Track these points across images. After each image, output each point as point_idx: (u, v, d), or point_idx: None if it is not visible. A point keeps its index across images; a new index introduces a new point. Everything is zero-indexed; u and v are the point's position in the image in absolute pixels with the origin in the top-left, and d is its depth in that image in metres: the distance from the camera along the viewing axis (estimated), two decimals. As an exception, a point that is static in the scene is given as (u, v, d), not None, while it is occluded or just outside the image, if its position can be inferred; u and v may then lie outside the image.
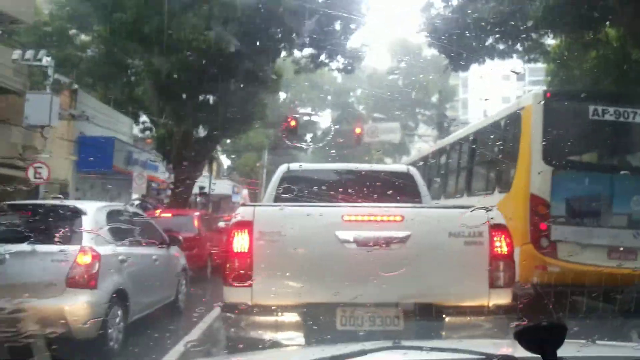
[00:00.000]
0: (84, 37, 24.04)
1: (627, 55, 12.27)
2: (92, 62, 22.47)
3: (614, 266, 6.79)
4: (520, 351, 1.27)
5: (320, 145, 43.13)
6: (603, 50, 12.56)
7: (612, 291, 6.37)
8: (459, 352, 1.47)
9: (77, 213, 5.88)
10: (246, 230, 3.87)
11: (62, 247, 5.51)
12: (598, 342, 1.87)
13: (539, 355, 1.23)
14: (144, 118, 28.16)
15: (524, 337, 1.24)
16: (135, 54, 17.03)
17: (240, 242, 3.88)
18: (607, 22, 11.26)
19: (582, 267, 6.84)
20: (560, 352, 1.32)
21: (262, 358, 1.96)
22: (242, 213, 4.02)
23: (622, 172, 7.33)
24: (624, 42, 12.11)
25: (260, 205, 4.32)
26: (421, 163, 13.44)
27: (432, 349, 1.55)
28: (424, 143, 27.01)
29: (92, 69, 22.32)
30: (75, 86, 21.52)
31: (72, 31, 23.10)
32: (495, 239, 3.92)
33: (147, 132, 27.71)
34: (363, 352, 1.46)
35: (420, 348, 1.56)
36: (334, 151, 37.62)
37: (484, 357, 1.34)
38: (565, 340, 1.34)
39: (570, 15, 9.54)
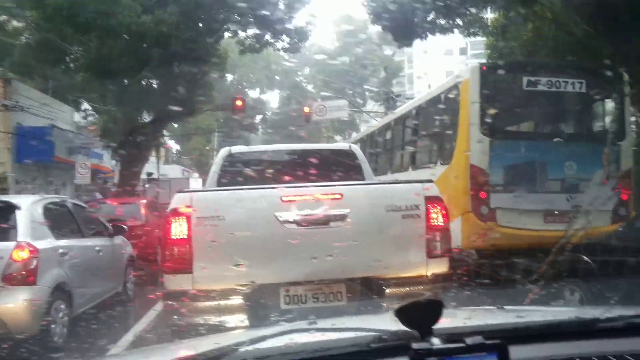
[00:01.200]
0: (16, 24, 22.83)
1: (561, 28, 12.68)
2: (27, 49, 21.42)
3: (549, 229, 7.12)
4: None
5: (270, 126, 42.94)
6: (539, 23, 12.93)
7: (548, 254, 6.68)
8: (357, 330, 1.53)
9: (11, 208, 5.65)
10: (184, 217, 3.84)
11: (-4, 243, 5.32)
12: (506, 307, 1.96)
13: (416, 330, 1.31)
14: (85, 105, 27.22)
15: (403, 314, 1.31)
16: (72, 39, 16.31)
17: (178, 229, 3.84)
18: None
19: (520, 232, 7.14)
20: (447, 324, 1.40)
21: (193, 344, 1.96)
22: (178, 199, 3.97)
23: (555, 140, 7.63)
24: (557, 15, 12.49)
25: (197, 191, 4.27)
26: (368, 139, 13.59)
27: (334, 329, 1.60)
28: (372, 119, 27.26)
29: (27, 57, 21.26)
30: (9, 75, 20.49)
31: (3, 17, 21.90)
32: (431, 211, 4.04)
33: (90, 120, 26.81)
34: (263, 338, 1.49)
35: (326, 329, 1.60)
36: (285, 131, 37.54)
37: (378, 334, 1.40)
38: (472, 308, 1.40)
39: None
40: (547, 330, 1.52)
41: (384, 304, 3.90)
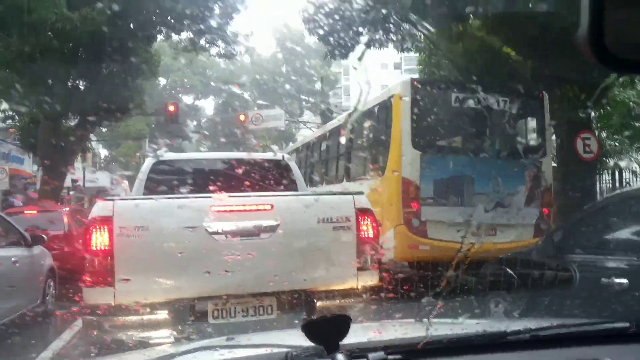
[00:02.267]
0: None
1: (490, 47, 13.28)
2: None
3: (475, 242, 7.37)
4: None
5: (204, 132, 42.19)
6: (468, 42, 13.48)
7: (475, 266, 6.90)
8: (270, 346, 1.50)
9: None
10: (105, 227, 3.65)
11: None
12: (415, 320, 1.98)
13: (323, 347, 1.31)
14: (4, 106, 25.62)
15: (310, 330, 1.30)
16: (-10, 35, 15.32)
17: (98, 239, 3.65)
18: (471, 16, 12.10)
19: (449, 245, 7.35)
20: (354, 339, 1.41)
21: None
22: (99, 208, 3.77)
23: (482, 155, 7.95)
24: (486, 34, 13.08)
25: (120, 199, 4.07)
26: (304, 150, 13.61)
27: (242, 346, 1.57)
28: (308, 130, 27.40)
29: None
30: None
31: None
32: (361, 223, 4.05)
33: (9, 122, 25.25)
34: (172, 356, 1.42)
35: (234, 346, 1.56)
36: (220, 139, 37.00)
37: (292, 350, 1.37)
38: (379, 322, 1.41)
39: (436, 9, 10.13)
40: (454, 343, 1.54)
41: (314, 317, 3.87)
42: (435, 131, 8.47)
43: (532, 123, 8.86)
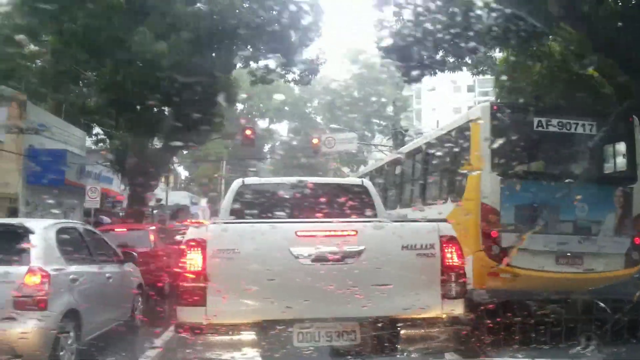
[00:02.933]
0: (32, 48, 23.28)
1: (570, 68, 12.85)
2: (42, 73, 21.80)
3: (561, 271, 7.08)
4: None
5: (278, 156, 43.13)
6: (547, 63, 13.10)
7: (561, 295, 6.63)
8: None
9: (25, 232, 5.68)
10: (199, 249, 3.85)
11: (9, 267, 5.33)
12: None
13: None
14: (97, 130, 27.51)
15: None
16: (86, 64, 16.63)
17: (193, 261, 3.84)
18: (550, 37, 11.76)
19: (532, 273, 7.09)
20: None
21: None
22: (194, 231, 3.98)
23: (566, 181, 7.65)
24: (566, 56, 12.68)
25: (213, 223, 4.28)
26: (377, 173, 13.63)
27: None
28: (380, 153, 27.37)
29: (42, 81, 21.62)
30: (24, 98, 20.81)
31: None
32: (446, 250, 4.02)
33: (101, 144, 27.07)
34: None
35: None
36: (293, 162, 37.70)
37: None
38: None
39: (514, 30, 9.93)
40: None
41: (398, 345, 3.86)
42: (516, 156, 8.25)
43: (620, 147, 8.43)
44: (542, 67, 13.30)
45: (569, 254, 7.20)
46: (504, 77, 15.01)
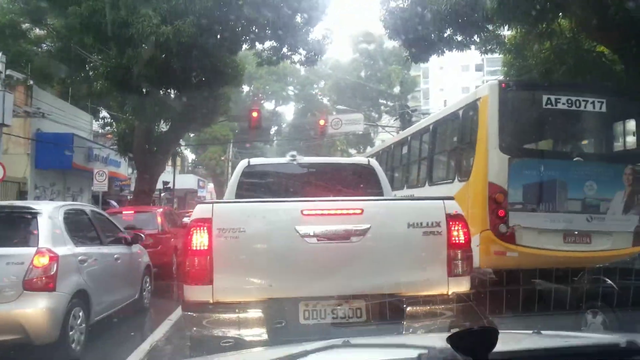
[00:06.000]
0: (38, 32, 23.26)
1: (579, 45, 12.64)
2: (48, 57, 21.80)
3: (569, 250, 7.05)
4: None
5: (285, 137, 43.08)
6: (556, 41, 12.88)
7: (567, 274, 6.60)
8: (400, 347, 1.51)
9: (33, 214, 5.71)
10: (205, 228, 3.85)
11: (18, 249, 5.38)
12: (543, 332, 1.92)
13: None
14: (104, 113, 27.56)
15: (457, 342, 1.29)
16: (92, 48, 16.59)
17: (199, 239, 3.85)
18: (560, 14, 11.54)
19: (539, 252, 7.07)
20: (500, 347, 1.37)
21: None
22: (200, 210, 3.99)
23: (575, 159, 7.58)
24: (576, 33, 12.46)
25: (218, 202, 4.28)
26: (384, 154, 13.58)
27: (374, 346, 1.57)
28: (387, 134, 27.24)
29: (48, 64, 21.64)
30: (30, 82, 20.84)
31: (25, 25, 22.32)
32: (452, 228, 4.00)
33: (108, 128, 27.14)
34: (305, 353, 1.47)
35: (363, 345, 1.58)
36: (300, 143, 37.64)
37: (423, 351, 1.38)
38: (510, 332, 1.37)
39: (523, 7, 9.74)
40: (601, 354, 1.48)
41: (404, 322, 3.86)
42: (524, 134, 8.18)
43: (630, 125, 8.33)
44: (551, 44, 13.10)
45: (576, 233, 7.18)
46: (512, 56, 14.81)
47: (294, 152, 6.38)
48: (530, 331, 1.91)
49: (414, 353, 1.39)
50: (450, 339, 1.29)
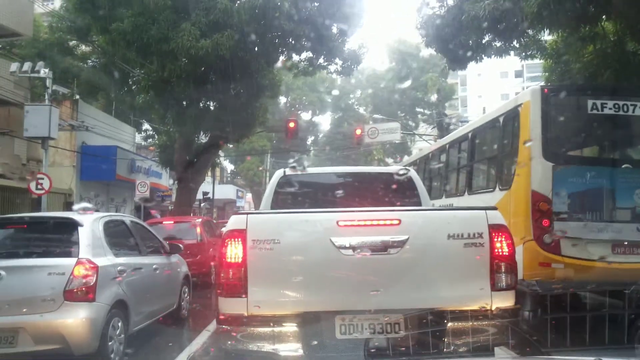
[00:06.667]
0: (84, 48, 24.09)
1: (624, 48, 12.17)
2: (93, 72, 22.54)
3: (618, 261, 6.72)
4: None
5: (322, 147, 43.15)
6: (600, 44, 12.45)
7: (618, 286, 6.29)
8: None
9: (74, 225, 5.82)
10: (239, 239, 3.80)
11: (59, 259, 5.48)
12: (603, 358, 1.75)
13: None
14: (146, 126, 28.27)
15: None
16: (134, 63, 17.07)
17: (233, 251, 3.80)
18: (604, 16, 11.15)
19: (586, 263, 6.76)
20: None
21: None
22: (234, 221, 3.94)
23: (623, 166, 7.24)
24: (621, 35, 12.00)
25: (253, 213, 4.23)
26: (422, 163, 13.37)
27: None
28: (425, 142, 26.90)
29: (93, 79, 22.38)
30: (76, 97, 21.57)
31: (72, 42, 23.17)
32: (495, 239, 3.83)
33: (150, 140, 27.81)
34: None
35: None
36: (337, 153, 37.64)
37: None
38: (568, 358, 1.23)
39: (565, 10, 9.43)
40: None
41: (445, 339, 3.71)
42: (569, 141, 7.87)
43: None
44: (594, 48, 12.66)
45: (626, 243, 6.83)
46: (553, 61, 14.40)
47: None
48: (592, 359, 1.74)
49: None
50: None
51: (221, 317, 3.91)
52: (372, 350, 3.64)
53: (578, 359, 1.98)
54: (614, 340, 4.38)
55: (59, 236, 5.87)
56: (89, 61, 23.85)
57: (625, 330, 4.70)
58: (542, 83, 14.88)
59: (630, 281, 5.83)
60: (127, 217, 7.80)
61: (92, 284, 5.35)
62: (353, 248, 3.77)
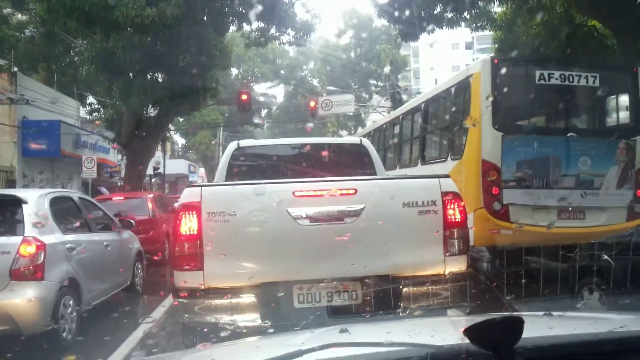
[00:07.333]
0: (20, 17, 22.76)
1: (571, 20, 12.52)
2: (31, 43, 21.36)
3: (563, 226, 7.02)
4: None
5: (276, 120, 42.81)
6: (548, 16, 12.75)
7: (562, 250, 6.58)
8: (405, 345, 1.39)
9: (18, 202, 5.56)
10: (194, 212, 3.73)
11: (3, 238, 5.25)
12: (554, 313, 1.82)
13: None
14: (91, 99, 27.14)
15: (475, 334, 1.16)
16: (76, 33, 16.24)
17: (188, 224, 3.73)
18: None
19: (533, 229, 7.03)
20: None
21: (209, 353, 1.86)
22: (188, 194, 3.86)
23: (569, 135, 7.51)
24: (567, 7, 12.33)
25: (207, 185, 4.15)
26: (376, 134, 13.47)
27: (377, 344, 1.43)
28: (378, 114, 27.09)
29: (32, 50, 21.22)
30: (14, 69, 20.44)
31: (7, 10, 21.82)
32: (448, 207, 3.91)
33: (95, 114, 26.76)
34: (300, 353, 1.37)
35: (363, 344, 1.47)
36: (291, 126, 37.43)
37: (432, 350, 1.26)
38: (520, 314, 1.26)
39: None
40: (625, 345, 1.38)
41: (401, 303, 3.79)
42: (517, 111, 8.09)
43: (624, 100, 8.26)
44: (542, 20, 12.97)
45: (570, 209, 7.14)
46: (503, 32, 14.66)
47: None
48: (541, 313, 1.80)
49: (423, 351, 1.26)
50: (468, 331, 1.16)
51: (177, 290, 3.85)
52: (335, 307, 3.71)
53: (528, 314, 2.03)
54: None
55: (2, 214, 5.60)
56: (27, 31, 22.57)
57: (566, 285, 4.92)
58: (492, 54, 15.16)
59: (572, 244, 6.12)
60: (75, 193, 7.53)
61: (39, 262, 5.16)
62: (310, 218, 3.77)
